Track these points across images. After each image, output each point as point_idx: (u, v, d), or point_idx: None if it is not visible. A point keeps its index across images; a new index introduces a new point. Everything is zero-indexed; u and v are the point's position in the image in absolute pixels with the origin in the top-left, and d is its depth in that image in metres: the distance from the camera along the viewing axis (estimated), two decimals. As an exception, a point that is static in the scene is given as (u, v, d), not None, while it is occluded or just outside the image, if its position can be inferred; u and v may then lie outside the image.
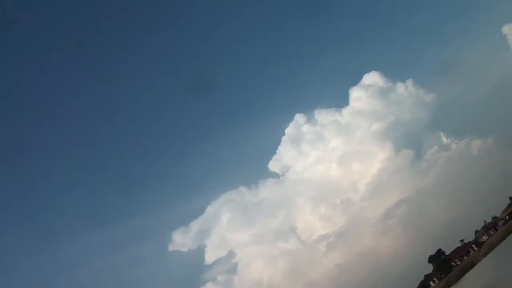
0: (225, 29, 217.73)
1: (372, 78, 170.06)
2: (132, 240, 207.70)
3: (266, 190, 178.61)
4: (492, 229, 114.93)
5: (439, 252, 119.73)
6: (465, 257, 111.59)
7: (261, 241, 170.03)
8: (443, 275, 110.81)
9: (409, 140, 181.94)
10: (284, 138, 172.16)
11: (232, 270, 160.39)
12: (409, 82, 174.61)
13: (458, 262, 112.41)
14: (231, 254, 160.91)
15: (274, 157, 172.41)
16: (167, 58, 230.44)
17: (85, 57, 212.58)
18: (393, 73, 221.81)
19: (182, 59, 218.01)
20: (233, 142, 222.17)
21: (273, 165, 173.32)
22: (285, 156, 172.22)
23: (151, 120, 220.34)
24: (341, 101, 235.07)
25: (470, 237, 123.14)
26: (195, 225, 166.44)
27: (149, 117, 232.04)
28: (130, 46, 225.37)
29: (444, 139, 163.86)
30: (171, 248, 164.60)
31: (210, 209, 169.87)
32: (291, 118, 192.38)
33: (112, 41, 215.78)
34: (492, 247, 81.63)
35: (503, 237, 79.37)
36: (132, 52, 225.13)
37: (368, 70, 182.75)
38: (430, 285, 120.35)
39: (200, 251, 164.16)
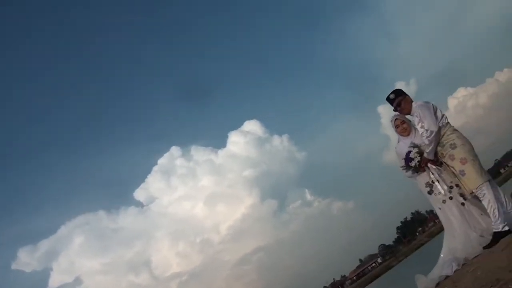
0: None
1: (252, 126, 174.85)
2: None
3: (127, 218, 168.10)
4: (339, 287, 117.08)
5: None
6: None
7: (111, 271, 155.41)
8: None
9: (276, 191, 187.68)
10: (155, 168, 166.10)
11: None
12: (285, 137, 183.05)
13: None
14: (78, 281, 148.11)
15: (141, 185, 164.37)
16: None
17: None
18: (273, 126, 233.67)
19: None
20: (100, 162, 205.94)
21: (139, 194, 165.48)
22: (153, 186, 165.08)
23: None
24: (219, 142, 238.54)
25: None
26: (44, 245, 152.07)
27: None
28: None
29: (308, 196, 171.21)
30: (14, 266, 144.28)
31: (63, 230, 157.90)
32: (166, 149, 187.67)
33: None
34: None
35: None
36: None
37: (250, 117, 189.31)
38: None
39: (44, 274, 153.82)
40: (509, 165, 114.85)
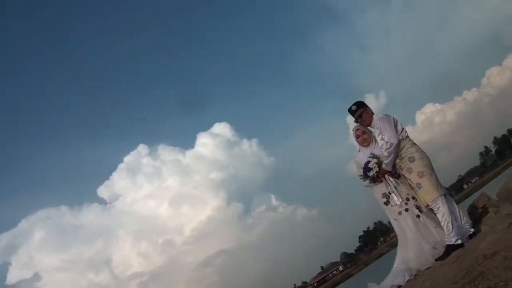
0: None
1: (222, 129, 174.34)
2: None
3: (89, 215, 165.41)
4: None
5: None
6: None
7: (71, 268, 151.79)
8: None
9: (242, 194, 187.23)
10: (121, 166, 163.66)
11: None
12: (254, 141, 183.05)
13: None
14: (36, 277, 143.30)
15: (106, 183, 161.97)
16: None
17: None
18: (243, 129, 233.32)
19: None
20: (64, 156, 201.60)
21: (103, 191, 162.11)
22: (117, 184, 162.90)
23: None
24: (187, 143, 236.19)
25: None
26: (3, 239, 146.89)
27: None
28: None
29: (274, 201, 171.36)
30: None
31: (23, 224, 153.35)
32: (133, 147, 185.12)
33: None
34: None
35: None
36: None
37: (220, 120, 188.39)
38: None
39: (3, 269, 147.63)
40: (472, 181, 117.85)
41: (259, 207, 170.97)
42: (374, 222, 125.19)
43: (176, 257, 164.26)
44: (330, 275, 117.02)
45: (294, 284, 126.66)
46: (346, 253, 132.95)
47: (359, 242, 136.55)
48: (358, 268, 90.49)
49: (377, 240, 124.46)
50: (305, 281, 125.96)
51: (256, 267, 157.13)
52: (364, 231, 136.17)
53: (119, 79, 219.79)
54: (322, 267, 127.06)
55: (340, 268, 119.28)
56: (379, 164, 5.23)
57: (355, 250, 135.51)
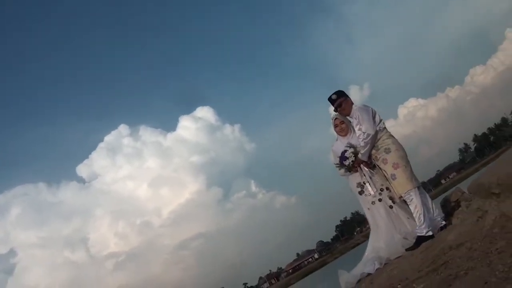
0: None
1: (204, 112, 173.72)
2: None
3: (67, 193, 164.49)
4: (275, 278, 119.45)
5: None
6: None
7: (48, 245, 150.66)
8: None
9: (222, 179, 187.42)
10: (101, 145, 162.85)
11: (9, 271, 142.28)
12: (236, 127, 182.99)
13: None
14: (12, 253, 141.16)
15: (85, 161, 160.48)
16: None
17: None
18: (226, 114, 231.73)
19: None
20: (44, 132, 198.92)
21: (82, 169, 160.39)
22: (97, 163, 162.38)
23: None
24: (169, 125, 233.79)
25: (254, 282, 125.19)
26: None
27: None
28: None
29: (253, 187, 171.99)
30: None
31: (0, 199, 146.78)
32: (114, 127, 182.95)
33: None
34: None
35: None
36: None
37: (203, 103, 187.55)
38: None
39: None
40: (450, 177, 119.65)
41: (238, 193, 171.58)
42: (352, 212, 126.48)
43: (153, 239, 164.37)
44: (305, 262, 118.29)
45: (270, 270, 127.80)
46: (323, 241, 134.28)
47: (335, 231, 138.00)
48: (334, 256, 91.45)
49: (354, 230, 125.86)
50: (281, 267, 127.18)
51: (233, 252, 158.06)
52: (341, 220, 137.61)
53: (104, 57, 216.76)
54: (298, 254, 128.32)
55: (316, 256, 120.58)
56: (356, 153, 5.29)
57: (331, 239, 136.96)
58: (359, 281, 4.87)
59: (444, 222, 5.12)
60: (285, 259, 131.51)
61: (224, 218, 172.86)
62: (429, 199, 5.26)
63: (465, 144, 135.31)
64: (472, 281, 2.31)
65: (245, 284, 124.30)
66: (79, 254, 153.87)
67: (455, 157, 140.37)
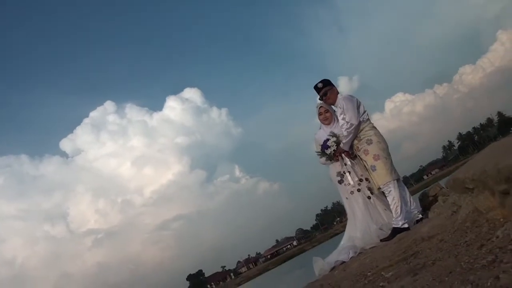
0: None
1: (192, 94, 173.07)
2: None
3: (50, 167, 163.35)
4: (253, 263, 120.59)
5: (199, 273, 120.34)
6: (221, 283, 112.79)
7: (27, 218, 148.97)
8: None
9: (206, 162, 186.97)
10: (86, 120, 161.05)
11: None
12: (224, 110, 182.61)
13: (214, 286, 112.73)
14: None
15: (69, 136, 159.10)
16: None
17: None
18: (213, 97, 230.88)
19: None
20: (28, 103, 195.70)
21: (65, 144, 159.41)
22: (81, 138, 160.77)
23: None
24: (155, 105, 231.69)
25: (232, 265, 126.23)
26: None
27: None
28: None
29: (237, 172, 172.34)
30: None
31: None
32: (100, 102, 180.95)
33: None
34: (247, 279, 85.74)
35: (259, 273, 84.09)
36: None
37: (191, 85, 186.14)
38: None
39: None
40: (432, 173, 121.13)
41: (222, 176, 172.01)
42: (333, 202, 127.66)
43: (134, 217, 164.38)
44: (284, 248, 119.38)
45: (248, 255, 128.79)
46: (302, 229, 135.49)
47: (315, 220, 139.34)
48: (312, 244, 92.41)
49: (334, 220, 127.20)
50: (259, 253, 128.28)
51: (213, 235, 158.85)
52: (322, 210, 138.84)
53: (92, 30, 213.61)
54: (277, 241, 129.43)
55: (294, 243, 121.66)
56: (338, 143, 5.34)
57: (311, 228, 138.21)
58: (333, 268, 4.94)
59: (420, 216, 5.20)
60: (264, 245, 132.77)
61: (206, 201, 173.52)
62: (407, 192, 5.34)
63: (449, 141, 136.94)
64: (437, 271, 2.37)
65: (223, 267, 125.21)
66: (58, 229, 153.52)
67: (438, 154, 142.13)
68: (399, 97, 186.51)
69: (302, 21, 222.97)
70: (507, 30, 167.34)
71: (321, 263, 5.13)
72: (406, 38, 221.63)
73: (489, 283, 1.85)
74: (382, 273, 3.03)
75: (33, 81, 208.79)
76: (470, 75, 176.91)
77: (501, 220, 2.52)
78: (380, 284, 2.79)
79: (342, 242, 5.40)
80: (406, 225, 4.95)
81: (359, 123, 5.25)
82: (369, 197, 5.30)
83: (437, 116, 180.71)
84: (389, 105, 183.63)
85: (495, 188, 2.47)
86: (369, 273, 3.27)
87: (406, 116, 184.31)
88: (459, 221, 3.06)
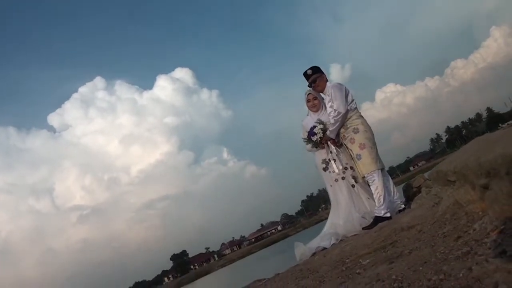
0: None
1: (183, 74, 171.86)
2: None
3: (37, 141, 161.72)
4: (237, 246, 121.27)
5: (183, 253, 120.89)
6: (204, 264, 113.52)
7: (12, 191, 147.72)
8: (179, 275, 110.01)
9: (194, 143, 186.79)
10: (75, 95, 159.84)
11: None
12: (214, 92, 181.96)
13: (197, 267, 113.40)
14: None
15: (57, 110, 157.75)
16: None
17: None
18: (204, 78, 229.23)
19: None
20: (17, 75, 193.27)
21: (53, 118, 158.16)
22: (69, 113, 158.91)
23: None
24: (146, 83, 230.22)
25: (216, 247, 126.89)
26: None
27: None
28: None
29: (225, 155, 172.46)
30: None
31: None
32: (90, 78, 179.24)
33: None
34: (230, 261, 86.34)
35: (243, 256, 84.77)
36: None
37: (182, 64, 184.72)
38: (163, 281, 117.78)
39: None
40: (419, 164, 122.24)
41: (209, 158, 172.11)
42: (319, 189, 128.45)
43: (119, 195, 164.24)
44: (268, 233, 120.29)
45: (233, 237, 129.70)
46: (287, 214, 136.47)
47: (301, 206, 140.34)
48: (296, 230, 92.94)
49: (319, 206, 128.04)
50: (244, 236, 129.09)
51: (198, 216, 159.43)
52: (307, 196, 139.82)
53: (85, 4, 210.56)
54: (262, 225, 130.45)
55: (279, 228, 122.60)
56: (324, 130, 5.36)
57: (296, 213, 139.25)
58: (314, 254, 4.99)
59: (403, 206, 5.26)
60: (249, 228, 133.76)
61: (192, 182, 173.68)
62: (391, 182, 5.39)
63: (437, 134, 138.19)
64: (413, 260, 2.42)
65: (207, 248, 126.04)
66: (43, 203, 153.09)
67: (426, 146, 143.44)
68: (390, 87, 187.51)
69: (298, 8, 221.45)
70: (500, 27, 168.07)
71: (302, 249, 5.18)
72: (400, 29, 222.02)
73: (461, 274, 1.89)
74: (360, 260, 3.08)
75: (22, 54, 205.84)
76: (461, 70, 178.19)
77: (480, 213, 2.56)
78: (357, 271, 2.83)
79: (324, 229, 5.45)
80: (388, 215, 5.00)
81: (347, 111, 5.27)
82: (353, 186, 5.35)
83: (426, 108, 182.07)
84: (379, 95, 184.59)
85: (475, 181, 2.50)
86: (347, 260, 3.32)
87: (396, 107, 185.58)
88: (439, 212, 3.11)
